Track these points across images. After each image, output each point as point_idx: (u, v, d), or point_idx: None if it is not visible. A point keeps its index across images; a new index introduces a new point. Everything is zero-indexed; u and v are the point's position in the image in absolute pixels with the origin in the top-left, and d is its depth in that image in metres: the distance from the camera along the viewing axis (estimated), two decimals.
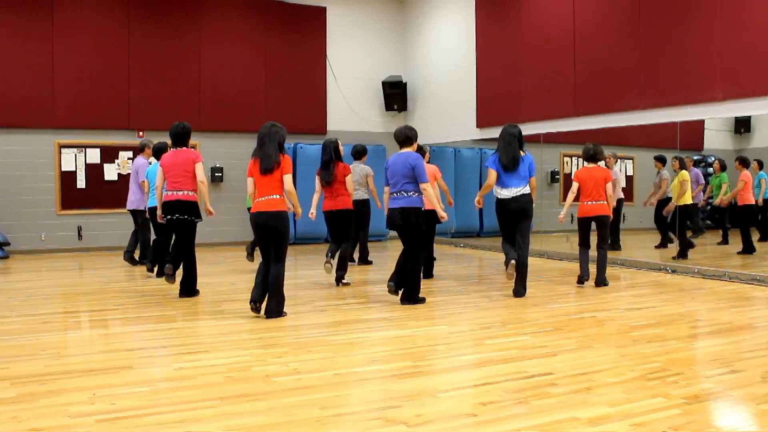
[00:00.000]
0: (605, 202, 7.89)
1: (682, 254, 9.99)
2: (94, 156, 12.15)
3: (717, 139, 11.98)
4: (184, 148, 7.23)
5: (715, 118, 9.75)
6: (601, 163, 8.11)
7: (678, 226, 10.22)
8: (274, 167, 6.07)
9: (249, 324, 5.99)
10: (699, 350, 5.11)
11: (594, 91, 10.38)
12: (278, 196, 6.14)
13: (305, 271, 9.65)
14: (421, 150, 8.77)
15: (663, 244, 10.72)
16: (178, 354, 4.90)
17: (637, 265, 9.79)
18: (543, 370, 4.43)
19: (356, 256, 10.47)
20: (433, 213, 8.61)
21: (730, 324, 5.96)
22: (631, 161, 12.99)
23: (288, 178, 6.12)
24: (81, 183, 12.08)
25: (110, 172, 12.23)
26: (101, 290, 7.87)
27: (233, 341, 5.33)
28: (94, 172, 12.15)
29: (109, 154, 12.24)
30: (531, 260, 10.68)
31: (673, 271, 9.18)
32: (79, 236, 12.12)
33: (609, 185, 7.92)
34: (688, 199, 10.08)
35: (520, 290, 7.26)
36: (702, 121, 10.55)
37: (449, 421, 3.51)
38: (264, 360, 4.73)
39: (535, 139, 11.66)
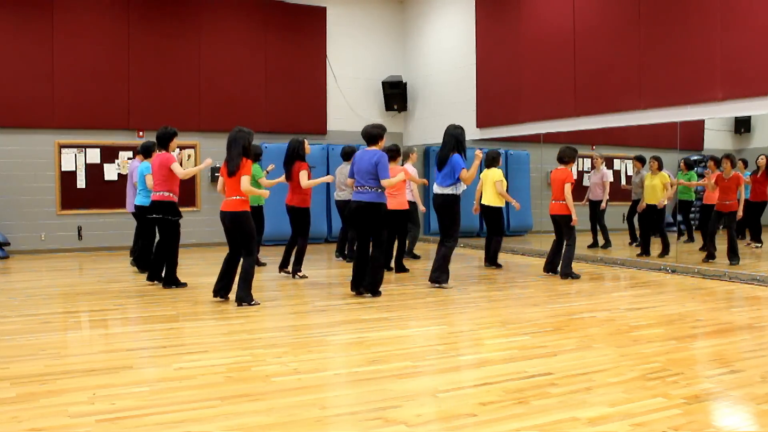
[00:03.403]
0: (563, 202, 8.52)
1: (666, 251, 10.24)
2: (94, 156, 12.15)
3: (717, 139, 11.96)
4: (164, 151, 7.73)
5: (715, 118, 9.75)
6: (576, 166, 8.95)
7: (659, 225, 10.38)
8: (235, 170, 6.60)
9: (249, 324, 5.99)
10: (699, 350, 5.11)
11: (594, 91, 10.37)
12: (239, 197, 6.66)
13: (304, 271, 9.63)
14: (396, 152, 9.11)
15: (645, 251, 10.55)
16: (178, 354, 4.90)
17: (637, 265, 9.79)
18: (543, 370, 4.43)
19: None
20: (401, 213, 8.89)
21: (730, 324, 5.97)
22: (630, 161, 12.98)
23: (244, 180, 6.57)
24: (81, 183, 12.07)
25: (110, 172, 12.22)
26: (101, 290, 7.86)
27: (233, 341, 5.33)
28: (94, 172, 12.14)
29: (109, 154, 12.23)
30: (531, 260, 10.79)
31: (673, 271, 9.18)
32: (79, 236, 12.11)
33: (567, 186, 8.49)
34: (664, 199, 10.35)
35: (433, 276, 7.87)
36: (702, 121, 10.54)
37: (449, 421, 3.51)
38: (264, 360, 4.73)
39: (535, 139, 11.67)
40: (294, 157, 8.35)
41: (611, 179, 11.50)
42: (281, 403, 3.77)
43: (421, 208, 10.06)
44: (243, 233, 6.70)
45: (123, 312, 6.60)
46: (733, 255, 9.22)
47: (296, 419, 3.53)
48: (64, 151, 11.95)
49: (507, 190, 9.81)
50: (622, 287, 8.19)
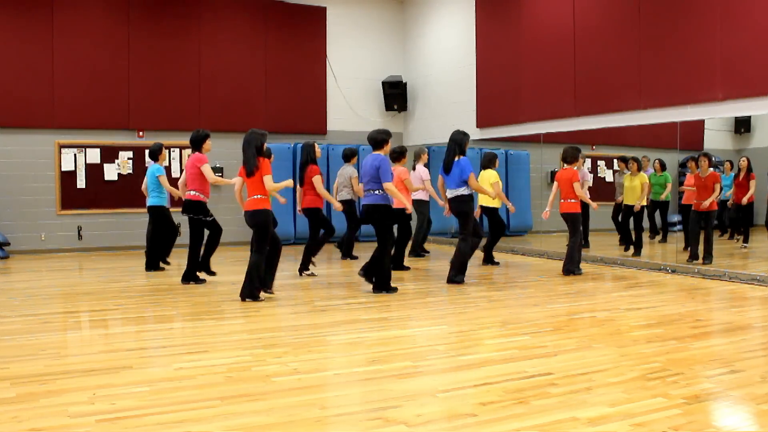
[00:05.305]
0: (572, 201, 8.76)
1: (638, 251, 10.51)
2: (94, 156, 12.15)
3: (717, 139, 11.98)
4: (196, 152, 8.08)
5: (715, 118, 9.75)
6: (576, 166, 8.96)
7: (636, 225, 10.62)
8: (254, 171, 6.80)
9: (249, 324, 6.00)
10: (699, 350, 5.11)
11: (594, 91, 10.37)
12: (259, 196, 6.87)
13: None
14: (400, 153, 9.37)
15: (636, 249, 10.66)
16: (178, 354, 4.90)
17: (636, 265, 9.79)
18: (543, 370, 4.43)
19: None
20: (400, 210, 9.02)
21: (730, 324, 5.97)
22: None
23: (267, 179, 6.81)
24: (81, 183, 12.07)
25: (110, 172, 12.22)
26: (101, 290, 7.87)
27: (233, 341, 5.33)
28: (94, 172, 12.14)
29: (109, 154, 12.23)
30: (531, 260, 10.80)
31: (673, 271, 9.18)
32: (79, 236, 12.11)
33: (576, 185, 8.70)
34: (644, 200, 10.59)
35: (452, 277, 8.08)
36: (702, 121, 10.55)
37: (449, 421, 3.51)
38: (264, 360, 4.73)
39: (535, 139, 11.67)
40: (307, 161, 8.65)
41: (610, 179, 11.52)
42: (281, 403, 3.77)
43: (440, 202, 9.73)
44: (258, 229, 6.90)
45: (123, 312, 6.60)
46: (707, 254, 9.32)
47: (296, 419, 3.53)
48: (64, 151, 11.95)
49: (507, 192, 9.85)
50: (622, 287, 8.18)
